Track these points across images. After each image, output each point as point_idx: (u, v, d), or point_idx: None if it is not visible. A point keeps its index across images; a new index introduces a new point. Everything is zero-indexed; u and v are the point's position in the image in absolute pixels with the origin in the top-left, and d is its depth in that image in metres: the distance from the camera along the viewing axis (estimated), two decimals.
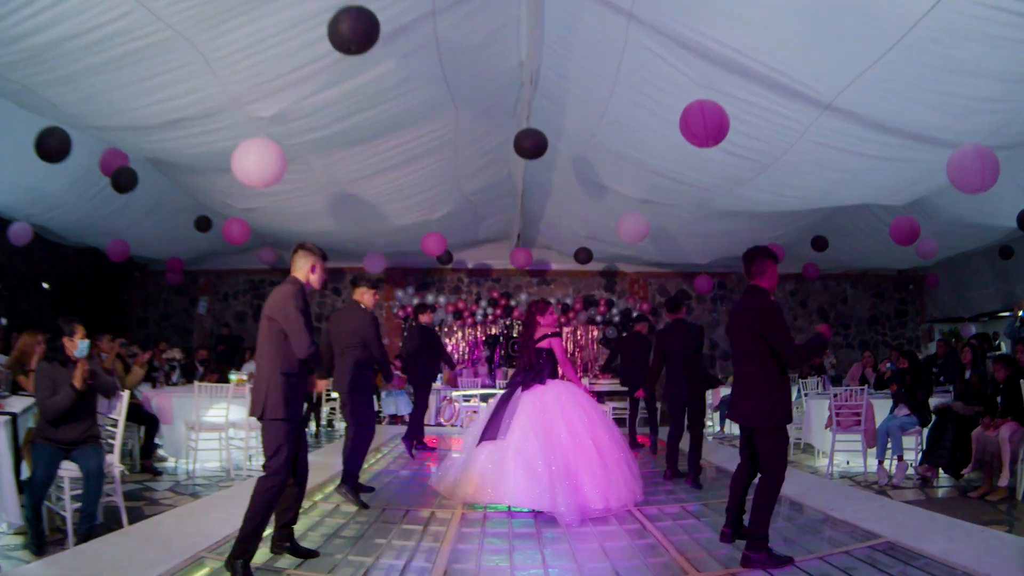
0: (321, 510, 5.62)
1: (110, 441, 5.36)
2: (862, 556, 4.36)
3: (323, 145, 7.35)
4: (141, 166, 7.79)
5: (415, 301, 13.91)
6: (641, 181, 8.48)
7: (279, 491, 4.08)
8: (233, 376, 8.70)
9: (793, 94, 5.74)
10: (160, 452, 7.94)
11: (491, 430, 5.72)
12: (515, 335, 14.04)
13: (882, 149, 6.36)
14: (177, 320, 14.72)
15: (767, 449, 4.28)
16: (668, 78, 6.04)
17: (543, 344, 6.05)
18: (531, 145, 6.66)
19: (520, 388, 5.95)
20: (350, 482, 5.89)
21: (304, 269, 4.45)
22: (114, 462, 5.24)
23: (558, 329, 6.37)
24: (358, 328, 6.18)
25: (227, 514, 5.08)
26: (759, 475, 4.35)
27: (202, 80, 5.67)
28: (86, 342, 5.10)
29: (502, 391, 6.22)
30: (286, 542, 4.37)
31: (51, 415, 4.83)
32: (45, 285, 11.49)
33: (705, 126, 5.21)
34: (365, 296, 6.39)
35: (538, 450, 5.45)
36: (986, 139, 5.69)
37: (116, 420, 5.41)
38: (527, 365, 6.07)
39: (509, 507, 5.63)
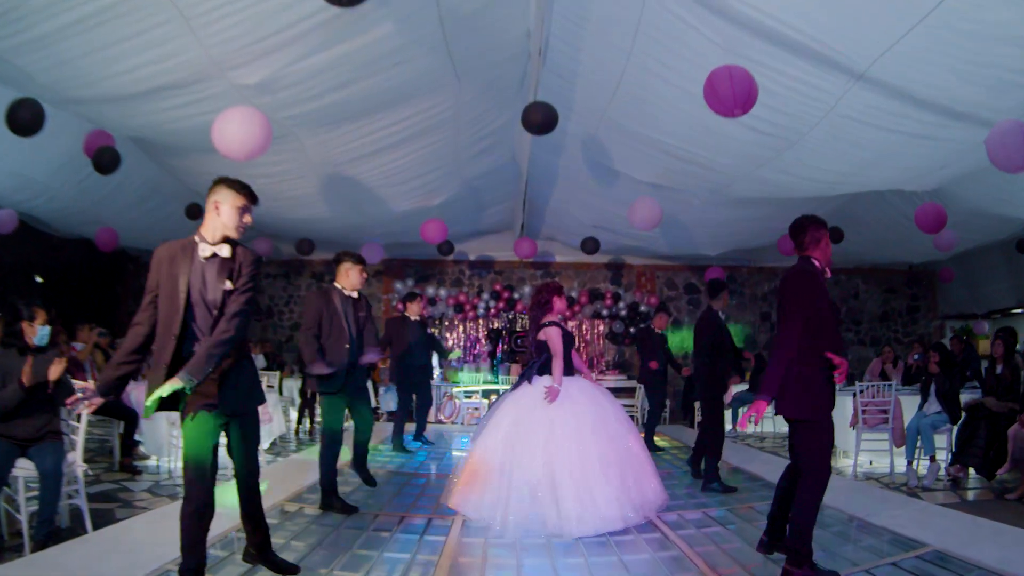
0: (308, 516, 5.15)
1: (73, 437, 4.89)
2: (911, 568, 3.94)
3: (315, 120, 6.86)
4: (128, 151, 7.46)
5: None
6: (654, 163, 7.97)
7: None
8: None
9: (824, 62, 5.27)
10: (141, 449, 7.49)
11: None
12: (518, 329, 13.58)
13: (915, 126, 5.94)
14: None
15: (802, 445, 3.88)
16: (689, 44, 5.55)
17: (542, 335, 5.37)
18: (541, 119, 6.12)
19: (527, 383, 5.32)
20: (326, 498, 5.36)
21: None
22: (76, 460, 4.79)
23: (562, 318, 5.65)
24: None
25: None
26: (799, 477, 3.86)
27: (180, 42, 5.18)
28: (47, 329, 4.67)
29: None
30: (256, 551, 3.85)
31: None
32: (38, 279, 11.16)
33: (734, 91, 4.71)
34: (351, 274, 5.67)
35: (517, 462, 4.83)
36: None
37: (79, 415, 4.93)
38: (530, 357, 5.55)
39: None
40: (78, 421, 4.94)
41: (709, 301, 6.88)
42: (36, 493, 4.39)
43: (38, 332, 4.62)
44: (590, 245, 11.21)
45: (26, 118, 5.66)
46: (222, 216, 3.48)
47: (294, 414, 10.89)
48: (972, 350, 10.34)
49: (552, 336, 5.26)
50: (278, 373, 10.25)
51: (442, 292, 13.62)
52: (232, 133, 5.40)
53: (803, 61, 5.33)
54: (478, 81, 7.00)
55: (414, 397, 9.01)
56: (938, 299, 14.77)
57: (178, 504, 5.33)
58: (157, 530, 4.57)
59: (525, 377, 5.35)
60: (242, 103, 5.84)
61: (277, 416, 8.59)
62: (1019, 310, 13.79)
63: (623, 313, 13.64)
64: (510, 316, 13.79)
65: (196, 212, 9.49)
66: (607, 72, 6.50)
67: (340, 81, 6.12)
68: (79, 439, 4.89)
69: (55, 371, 4.46)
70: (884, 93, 5.51)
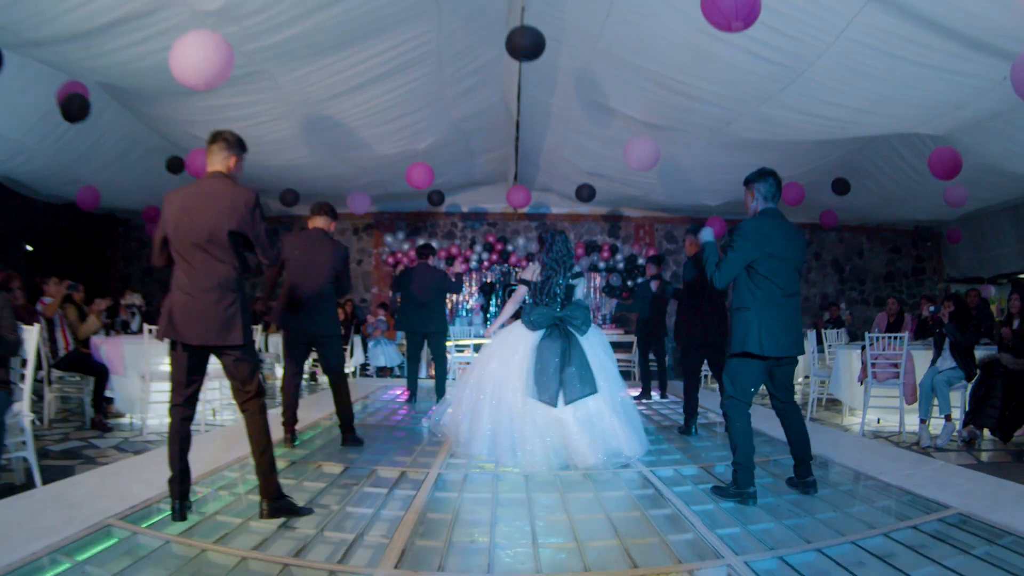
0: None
1: (21, 386, 4.51)
2: (933, 532, 3.55)
3: (286, 53, 6.37)
4: (103, 104, 7.36)
5: (405, 247, 13.09)
6: (650, 98, 7.49)
7: None
8: None
9: None
10: (115, 407, 7.16)
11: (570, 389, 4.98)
12: (512, 282, 13.16)
13: (934, 56, 5.51)
14: (161, 275, 13.92)
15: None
16: None
17: (575, 283, 5.47)
18: (527, 43, 5.60)
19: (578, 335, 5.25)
20: None
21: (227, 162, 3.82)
22: (23, 411, 4.41)
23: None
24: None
25: (153, 475, 4.31)
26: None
27: None
28: None
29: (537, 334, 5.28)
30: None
31: None
32: (29, 248, 10.82)
33: (735, 1, 4.21)
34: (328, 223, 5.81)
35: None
36: None
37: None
38: (553, 302, 5.38)
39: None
40: (23, 367, 4.57)
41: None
42: None
43: None
44: (585, 192, 10.69)
45: None
46: None
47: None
48: (986, 305, 10.00)
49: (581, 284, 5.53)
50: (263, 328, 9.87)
51: (434, 244, 13.19)
52: (188, 58, 4.92)
53: None
54: (461, 10, 6.51)
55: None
56: (944, 261, 14.45)
57: (127, 460, 5.08)
58: (105, 484, 4.28)
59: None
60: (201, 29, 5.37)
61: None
62: None
63: (620, 266, 13.22)
64: (503, 269, 13.38)
65: (178, 166, 9.12)
66: None
67: (309, 6, 5.64)
68: (26, 387, 4.55)
69: None
70: (902, 15, 5.07)
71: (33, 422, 4.55)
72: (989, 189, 9.62)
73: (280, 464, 4.57)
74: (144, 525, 3.50)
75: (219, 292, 3.57)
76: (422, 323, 7.98)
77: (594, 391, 4.91)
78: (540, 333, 5.19)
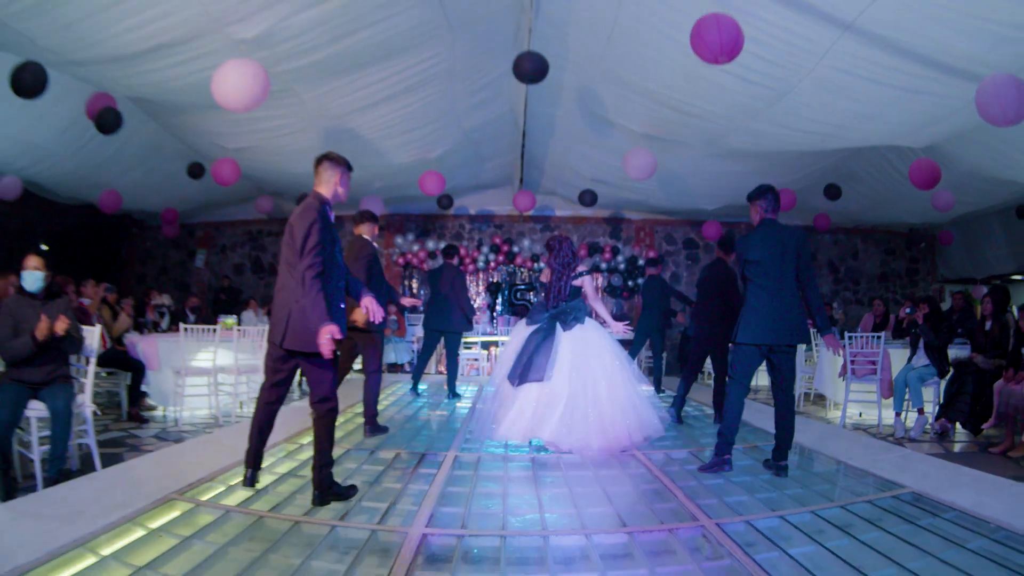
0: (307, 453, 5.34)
1: (82, 380, 5.07)
2: (886, 506, 4.10)
3: (312, 73, 6.91)
4: (129, 112, 7.55)
5: (415, 248, 13.59)
6: (648, 114, 8.02)
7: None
8: (229, 319, 8.44)
9: (812, 11, 5.32)
10: (149, 400, 7.69)
11: (535, 371, 5.54)
12: (517, 282, 13.70)
13: (906, 79, 5.97)
14: (175, 274, 14.57)
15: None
16: None
17: (578, 282, 6.01)
18: (531, 68, 6.20)
19: (561, 328, 5.79)
20: None
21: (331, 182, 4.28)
22: (85, 402, 4.96)
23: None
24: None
25: (206, 457, 4.84)
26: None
27: (179, 1, 5.30)
28: (39, 274, 4.80)
29: (533, 328, 5.91)
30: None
31: (9, 359, 4.57)
32: (44, 247, 11.26)
33: (720, 38, 4.77)
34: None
35: (581, 392, 5.46)
36: (1020, 73, 5.29)
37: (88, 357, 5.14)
38: (558, 301, 5.95)
39: (542, 445, 5.60)
40: (87, 364, 5.12)
41: (721, 254, 7.26)
42: (48, 433, 4.58)
43: (23, 277, 4.74)
44: (587, 197, 11.29)
45: (30, 81, 5.84)
46: None
47: None
48: (971, 307, 10.44)
49: (588, 284, 6.08)
50: None
51: (442, 246, 13.72)
52: (231, 85, 5.49)
53: (790, 11, 5.38)
54: (471, 32, 7.03)
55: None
56: (938, 262, 14.79)
57: (176, 446, 5.64)
58: (161, 466, 4.84)
59: (576, 321, 5.85)
60: (239, 57, 5.90)
61: None
62: (1019, 276, 13.85)
63: (622, 267, 13.75)
64: (509, 269, 13.90)
65: (199, 171, 9.59)
66: (599, 21, 6.54)
67: (335, 34, 6.18)
68: (88, 382, 5.08)
69: (60, 327, 4.61)
70: (874, 44, 5.54)
71: (95, 412, 5.08)
72: (977, 194, 10.00)
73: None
74: (203, 498, 4.05)
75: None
76: (440, 321, 8.51)
77: (539, 379, 5.51)
78: (533, 328, 5.87)
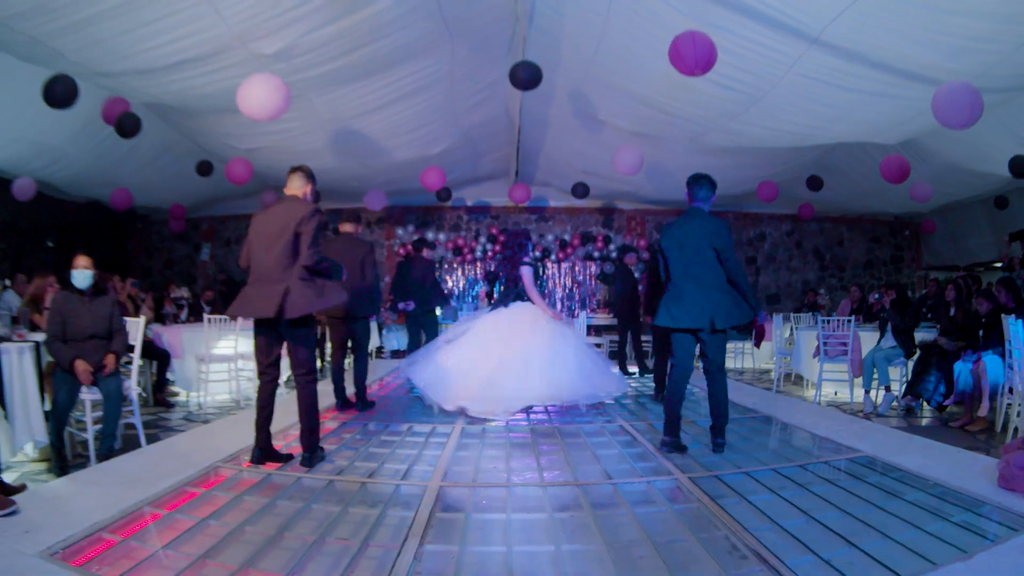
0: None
1: (129, 366, 5.66)
2: (841, 467, 4.69)
3: (324, 82, 7.47)
4: (141, 113, 7.81)
5: (415, 238, 14.07)
6: (635, 113, 8.61)
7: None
8: None
9: (781, 27, 5.84)
10: (172, 387, 8.25)
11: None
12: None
13: (871, 84, 6.44)
14: (180, 268, 14.98)
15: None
16: (658, 11, 6.16)
17: (522, 271, 6.77)
18: (525, 77, 6.82)
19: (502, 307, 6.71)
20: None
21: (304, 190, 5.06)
22: (132, 386, 5.51)
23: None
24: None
25: (239, 433, 5.40)
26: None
27: (207, 21, 5.81)
28: (87, 273, 5.29)
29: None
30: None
31: (53, 358, 5.10)
32: (50, 243, 11.61)
33: (695, 53, 5.33)
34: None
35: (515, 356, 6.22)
36: (976, 79, 5.74)
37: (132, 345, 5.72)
38: (507, 288, 6.85)
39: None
40: (131, 352, 5.72)
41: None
42: (100, 414, 5.13)
43: (72, 275, 5.24)
44: (580, 190, 11.97)
45: (61, 93, 6.21)
46: None
47: None
48: (942, 295, 10.82)
49: (526, 273, 6.77)
50: None
51: (441, 236, 14.35)
52: (255, 98, 6.02)
53: (762, 26, 5.90)
54: (470, 42, 7.62)
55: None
56: (922, 250, 15.22)
57: (212, 423, 6.21)
58: (201, 440, 5.45)
59: (502, 303, 6.79)
60: (260, 69, 6.43)
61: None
62: (1001, 264, 14.16)
63: (613, 255, 14.34)
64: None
65: (207, 169, 10.03)
66: (588, 33, 7.11)
67: (347, 47, 6.75)
68: (134, 367, 5.72)
69: (109, 367, 5.19)
70: (839, 55, 6.03)
71: (140, 394, 5.64)
72: (956, 186, 10.50)
73: (333, 424, 5.86)
74: (245, 466, 4.62)
75: None
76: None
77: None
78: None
